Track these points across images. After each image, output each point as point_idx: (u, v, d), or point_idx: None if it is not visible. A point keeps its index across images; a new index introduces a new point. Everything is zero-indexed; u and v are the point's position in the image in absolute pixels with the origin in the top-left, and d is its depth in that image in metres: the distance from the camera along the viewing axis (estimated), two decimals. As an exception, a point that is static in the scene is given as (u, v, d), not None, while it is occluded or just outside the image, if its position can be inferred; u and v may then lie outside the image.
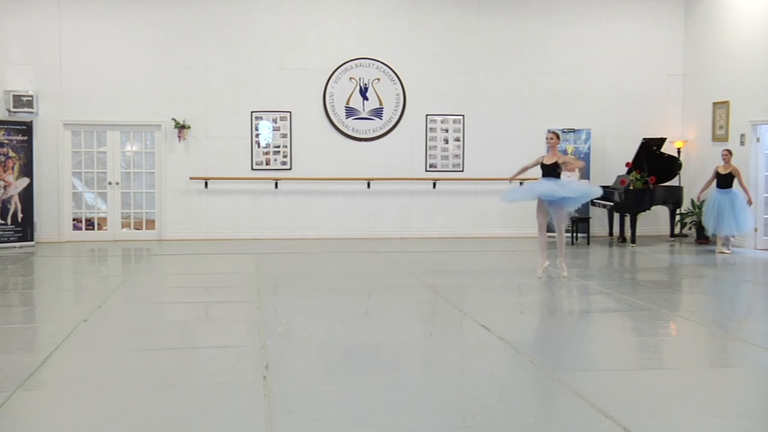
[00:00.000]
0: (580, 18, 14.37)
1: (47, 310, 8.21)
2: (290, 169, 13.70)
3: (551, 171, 9.73)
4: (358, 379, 5.58)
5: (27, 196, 12.67)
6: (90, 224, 13.52)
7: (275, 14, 13.60)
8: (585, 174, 14.25)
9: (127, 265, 11.65)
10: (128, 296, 8.78)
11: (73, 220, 13.40)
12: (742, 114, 12.99)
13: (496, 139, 14.14)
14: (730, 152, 12.43)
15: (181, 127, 13.30)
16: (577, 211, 14.03)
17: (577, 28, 14.35)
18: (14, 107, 12.84)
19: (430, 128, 14.05)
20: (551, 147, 9.83)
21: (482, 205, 14.18)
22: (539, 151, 14.28)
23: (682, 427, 4.65)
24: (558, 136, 9.90)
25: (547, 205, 9.65)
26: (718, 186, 12.43)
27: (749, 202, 12.29)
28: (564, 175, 14.15)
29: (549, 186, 9.53)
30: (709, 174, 12.79)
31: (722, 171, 12.41)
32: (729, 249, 12.39)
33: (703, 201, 13.30)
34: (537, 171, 10.14)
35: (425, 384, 5.56)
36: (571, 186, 9.92)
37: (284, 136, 13.71)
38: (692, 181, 14.14)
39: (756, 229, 12.76)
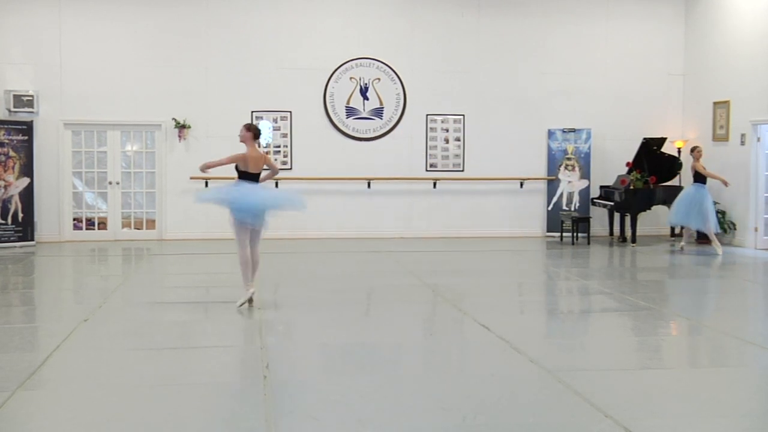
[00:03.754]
0: (581, 18, 14.36)
1: (47, 310, 8.21)
2: (290, 168, 13.70)
3: (253, 174, 7.84)
4: (358, 379, 5.58)
5: (27, 195, 12.67)
6: (90, 224, 13.52)
7: (275, 14, 13.60)
8: (585, 173, 14.26)
9: (127, 264, 11.65)
10: (128, 296, 8.77)
11: (74, 219, 13.40)
12: (743, 114, 12.98)
13: (497, 139, 14.14)
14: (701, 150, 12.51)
15: (182, 127, 13.30)
16: (577, 210, 14.08)
17: (577, 28, 14.34)
18: (14, 107, 12.84)
19: (431, 128, 14.04)
20: (246, 142, 7.80)
21: (482, 205, 14.18)
22: (540, 151, 14.34)
23: (682, 427, 4.65)
24: (250, 128, 7.83)
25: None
26: (695, 180, 12.44)
27: (725, 183, 12.47)
28: (566, 176, 14.27)
29: (257, 202, 7.67)
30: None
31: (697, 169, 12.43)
32: (682, 248, 12.51)
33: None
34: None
35: (425, 384, 5.56)
36: (279, 195, 8.08)
37: (284, 135, 13.71)
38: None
39: (756, 229, 12.77)
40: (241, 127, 7.95)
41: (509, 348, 6.35)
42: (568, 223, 13.66)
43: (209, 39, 13.45)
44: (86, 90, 13.15)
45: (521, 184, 14.20)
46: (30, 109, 12.92)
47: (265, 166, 7.96)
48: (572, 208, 14.18)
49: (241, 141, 7.87)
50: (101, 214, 13.55)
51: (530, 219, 14.38)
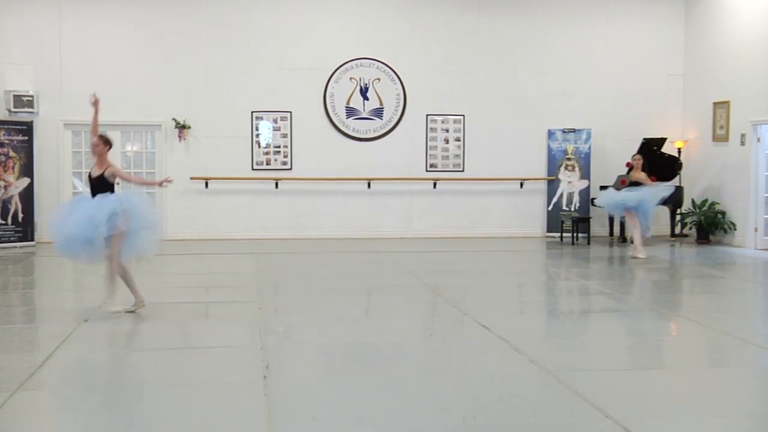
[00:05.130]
0: (580, 18, 14.36)
1: (47, 310, 8.21)
2: (290, 169, 13.70)
3: (98, 186, 7.44)
4: (358, 379, 5.58)
5: (27, 196, 12.66)
6: (90, 224, 13.49)
7: (275, 14, 13.60)
8: (585, 174, 14.26)
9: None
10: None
11: (74, 220, 13.38)
12: (743, 114, 12.98)
13: (497, 139, 14.14)
14: (641, 158, 11.89)
15: (182, 127, 13.30)
16: (577, 211, 14.07)
17: (577, 28, 14.34)
18: (14, 107, 12.83)
19: (431, 128, 14.04)
20: (99, 155, 7.44)
21: (482, 205, 14.18)
22: (540, 151, 14.33)
23: (682, 427, 4.65)
24: (106, 141, 7.48)
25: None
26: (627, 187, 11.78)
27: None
28: (566, 176, 14.27)
29: (81, 219, 7.31)
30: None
31: (634, 177, 11.70)
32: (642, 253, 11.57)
33: (704, 200, 13.34)
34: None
35: (425, 384, 5.56)
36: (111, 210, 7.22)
37: (284, 136, 13.70)
38: (692, 181, 14.13)
39: (756, 229, 12.76)
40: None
41: (509, 348, 6.35)
42: (568, 224, 13.66)
43: (209, 39, 13.44)
44: (86, 90, 13.02)
45: (521, 185, 14.20)
46: (30, 110, 12.92)
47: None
48: (572, 209, 14.18)
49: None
50: (101, 215, 13.53)
51: (530, 219, 14.38)
